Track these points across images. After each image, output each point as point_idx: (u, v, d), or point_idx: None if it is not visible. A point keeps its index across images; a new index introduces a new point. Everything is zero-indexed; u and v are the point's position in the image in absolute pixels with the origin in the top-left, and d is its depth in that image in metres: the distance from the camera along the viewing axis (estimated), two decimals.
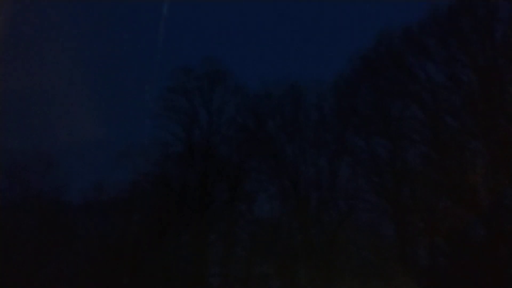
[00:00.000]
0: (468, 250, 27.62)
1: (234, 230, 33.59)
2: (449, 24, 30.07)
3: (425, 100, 30.42)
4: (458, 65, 29.82)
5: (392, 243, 29.75)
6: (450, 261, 28.76)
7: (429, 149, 30.20)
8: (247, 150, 34.43)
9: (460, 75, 29.71)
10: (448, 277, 27.87)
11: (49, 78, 36.46)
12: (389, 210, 30.54)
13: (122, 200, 34.01)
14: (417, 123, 30.57)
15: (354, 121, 32.43)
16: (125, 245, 31.78)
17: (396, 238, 29.88)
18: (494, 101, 28.39)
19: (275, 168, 33.68)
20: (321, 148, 33.19)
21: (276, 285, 31.77)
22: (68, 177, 33.85)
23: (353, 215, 31.29)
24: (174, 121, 35.17)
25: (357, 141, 32.20)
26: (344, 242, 30.57)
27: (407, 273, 27.25)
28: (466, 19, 29.72)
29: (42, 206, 32.81)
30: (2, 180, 32.87)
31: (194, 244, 32.52)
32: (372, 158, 31.52)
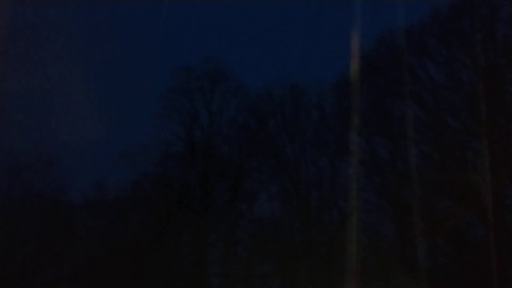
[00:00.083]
0: (469, 250, 27.60)
1: (235, 230, 33.63)
2: (450, 24, 30.00)
3: (426, 100, 30.36)
4: (459, 65, 29.76)
5: (393, 243, 29.75)
6: (451, 261, 28.77)
7: (430, 149, 30.16)
8: (248, 150, 34.46)
9: (461, 75, 29.66)
10: (449, 277, 27.88)
11: (49, 78, 36.55)
12: (389, 210, 30.55)
13: (123, 200, 34.05)
14: (418, 123, 30.46)
15: (355, 121, 32.36)
16: (125, 244, 31.83)
17: (396, 238, 29.88)
18: (495, 101, 28.33)
19: (275, 168, 33.70)
20: (321, 148, 33.20)
21: (276, 285, 31.79)
22: (68, 176, 33.88)
23: (353, 215, 31.25)
24: (175, 121, 35.26)
25: (358, 141, 32.16)
26: (344, 242, 30.55)
27: (407, 273, 27.25)
28: (467, 19, 29.66)
29: (43, 206, 32.80)
30: (2, 180, 32.92)
31: (195, 244, 32.55)
32: (372, 158, 31.51)
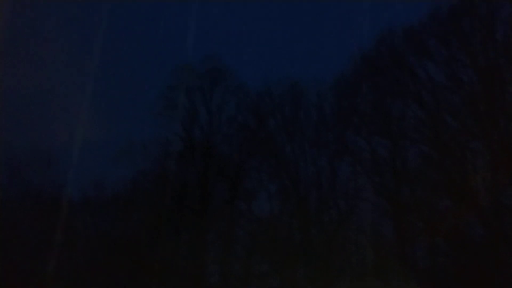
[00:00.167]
0: (468, 250, 27.59)
1: (234, 229, 33.60)
2: (450, 24, 30.02)
3: (425, 100, 30.37)
4: (459, 65, 29.77)
5: (392, 243, 29.74)
6: (450, 261, 28.73)
7: (429, 149, 30.17)
8: (247, 149, 34.44)
9: (461, 75, 29.67)
10: (448, 277, 27.86)
11: (49, 76, 36.53)
12: (389, 209, 30.53)
13: (122, 198, 34.03)
14: (418, 122, 30.53)
15: (354, 120, 32.41)
16: (124, 243, 31.81)
17: (396, 237, 29.87)
18: (495, 101, 28.37)
19: (275, 168, 33.68)
20: (321, 148, 33.19)
21: (275, 285, 31.74)
22: (68, 174, 33.88)
23: (352, 214, 31.30)
24: (174, 120, 35.18)
25: (357, 141, 32.22)
26: (343, 242, 30.58)
27: (406, 273, 27.25)
28: (467, 19, 29.68)
29: (42, 204, 32.78)
30: (2, 178, 32.88)
31: (194, 243, 32.53)
32: (372, 157, 31.51)
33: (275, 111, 34.59)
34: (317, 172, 32.84)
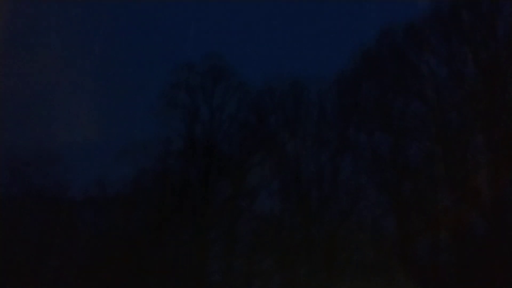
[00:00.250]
0: (470, 246, 27.51)
1: (235, 227, 33.53)
2: (452, 19, 29.98)
3: (427, 96, 30.34)
4: (461, 61, 29.72)
5: (394, 239, 29.66)
6: (452, 257, 28.64)
7: (431, 144, 30.11)
8: (249, 146, 34.38)
9: (463, 70, 29.62)
10: (450, 274, 27.78)
11: (50, 75, 36.51)
12: (391, 206, 30.45)
13: (124, 197, 33.96)
14: (420, 118, 30.47)
15: (356, 117, 32.34)
16: (126, 241, 31.77)
17: (398, 234, 29.78)
18: (497, 96, 28.29)
19: (277, 165, 33.63)
20: (323, 145, 33.12)
21: (277, 282, 31.69)
22: (69, 173, 33.84)
23: (355, 211, 31.20)
24: (176, 118, 35.11)
25: (359, 137, 32.14)
26: (345, 239, 30.49)
27: (409, 269, 27.17)
28: (468, 15, 29.65)
29: (43, 203, 32.78)
30: (3, 176, 32.89)
31: (196, 240, 32.47)
32: (374, 154, 31.42)
33: (276, 108, 34.55)
34: (319, 169, 32.76)
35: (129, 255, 30.92)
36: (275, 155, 33.63)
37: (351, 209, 31.28)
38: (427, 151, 29.96)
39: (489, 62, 28.55)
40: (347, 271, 29.68)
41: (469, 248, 27.32)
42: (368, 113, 31.60)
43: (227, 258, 32.80)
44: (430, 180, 29.23)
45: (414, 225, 29.62)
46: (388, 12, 32.42)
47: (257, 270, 32.16)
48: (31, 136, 33.84)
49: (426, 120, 30.24)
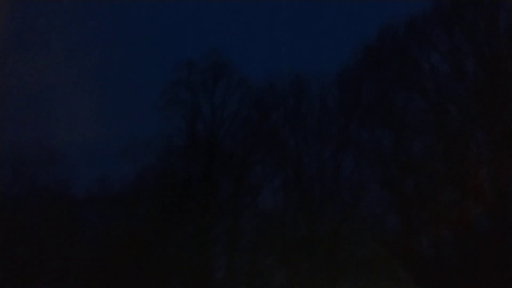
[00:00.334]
0: (473, 241, 27.46)
1: (239, 223, 33.59)
2: (453, 13, 29.81)
3: (429, 91, 30.21)
4: (463, 55, 29.57)
5: (397, 235, 29.65)
6: (455, 252, 28.62)
7: (433, 139, 30.01)
8: (251, 143, 34.37)
9: (465, 65, 29.48)
10: (453, 269, 27.76)
11: (52, 73, 36.60)
12: (393, 201, 30.42)
13: (126, 194, 34.08)
14: (421, 113, 30.36)
15: (358, 112, 32.27)
16: (129, 238, 31.87)
17: (400, 229, 29.77)
18: (499, 91, 28.16)
19: (279, 161, 33.62)
20: (325, 140, 33.08)
21: (280, 278, 31.76)
22: (72, 171, 33.98)
23: (357, 206, 31.20)
24: (178, 115, 35.14)
25: (361, 134, 32.08)
26: (348, 234, 30.50)
27: (411, 266, 27.16)
28: (470, 9, 29.45)
29: (46, 200, 32.91)
30: (6, 174, 33.02)
31: (199, 237, 32.55)
32: (376, 149, 31.37)
33: (278, 104, 34.51)
34: (321, 165, 32.75)
35: (132, 253, 31.02)
36: (277, 152, 33.62)
37: (353, 205, 31.28)
38: (429, 147, 29.86)
39: (491, 58, 28.39)
40: (350, 267, 29.67)
41: (471, 244, 27.26)
42: (370, 109, 31.50)
43: (229, 255, 32.88)
44: (432, 176, 29.14)
45: (416, 221, 29.57)
46: (389, 8, 32.25)
47: (259, 267, 32.23)
48: (33, 135, 34.01)
49: (428, 116, 30.12)
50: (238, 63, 35.66)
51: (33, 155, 33.18)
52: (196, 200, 33.39)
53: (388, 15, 31.08)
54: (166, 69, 35.07)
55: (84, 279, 30.58)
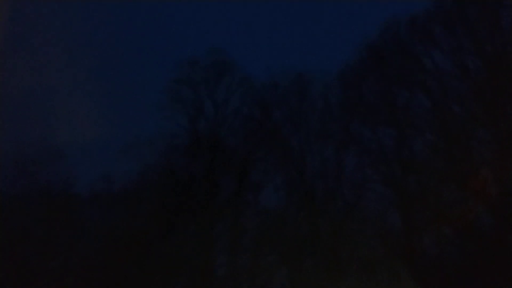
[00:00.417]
0: (475, 239, 27.44)
1: (241, 221, 33.63)
2: (456, 11, 29.73)
3: (432, 89, 30.15)
4: (465, 53, 29.51)
5: (399, 233, 29.64)
6: (457, 250, 28.60)
7: (436, 138, 29.97)
8: (253, 140, 34.39)
9: (467, 62, 29.42)
10: (455, 267, 27.74)
11: (55, 72, 36.70)
12: (395, 199, 30.41)
13: (129, 192, 34.10)
14: (424, 111, 30.32)
15: (360, 110, 32.24)
16: (132, 236, 31.92)
17: (403, 227, 29.76)
18: (501, 89, 28.08)
19: (281, 159, 33.63)
20: (327, 138, 33.07)
21: (282, 276, 31.81)
22: (75, 169, 34.03)
23: (359, 205, 31.19)
24: (180, 113, 35.19)
25: (363, 131, 32.07)
26: (350, 232, 30.51)
27: (413, 263, 27.17)
28: (473, 6, 29.37)
29: (50, 198, 32.97)
30: (10, 173, 33.08)
31: (201, 235, 32.60)
32: (378, 147, 31.35)
33: (280, 102, 34.53)
34: (323, 163, 32.76)
35: (134, 251, 31.07)
36: (279, 150, 33.62)
37: (355, 204, 31.28)
38: (431, 146, 29.82)
39: (493, 55, 28.31)
40: (351, 266, 29.69)
41: (473, 244, 27.23)
42: (372, 108, 31.49)
43: (231, 253, 32.93)
44: (434, 175, 29.11)
45: (418, 220, 29.56)
46: (391, 6, 32.21)
47: (261, 265, 32.26)
48: (36, 133, 34.09)
49: (430, 114, 30.07)
50: (240, 61, 35.77)
51: (35, 154, 33.20)
52: (198, 198, 33.42)
53: (390, 14, 31.09)
54: (168, 67, 35.14)
55: (86, 277, 30.61)
